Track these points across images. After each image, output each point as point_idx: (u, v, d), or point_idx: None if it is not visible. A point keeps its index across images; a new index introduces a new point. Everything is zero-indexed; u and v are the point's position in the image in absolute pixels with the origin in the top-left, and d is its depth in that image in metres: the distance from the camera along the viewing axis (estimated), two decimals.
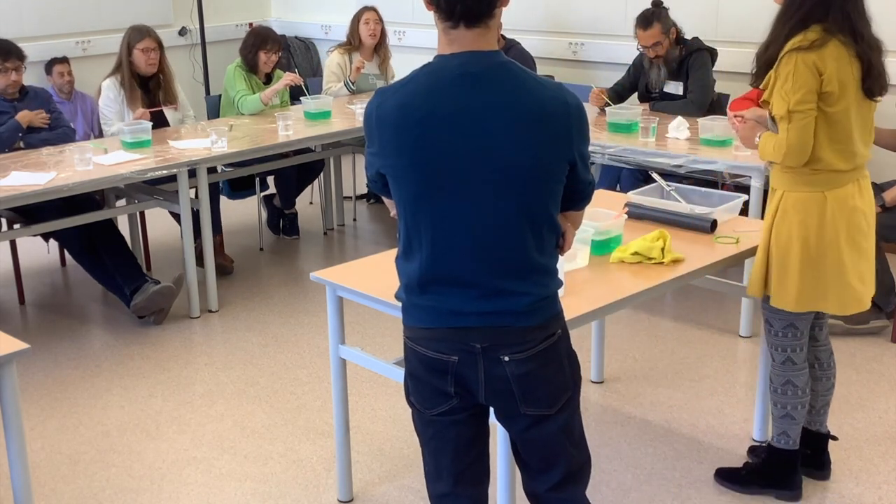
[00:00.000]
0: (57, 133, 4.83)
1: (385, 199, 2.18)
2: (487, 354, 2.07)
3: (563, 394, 2.15)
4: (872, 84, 2.78)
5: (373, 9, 5.99)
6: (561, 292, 2.73)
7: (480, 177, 1.98)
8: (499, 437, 2.56)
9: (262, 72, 5.52)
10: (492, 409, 2.22)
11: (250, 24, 8.13)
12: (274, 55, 5.50)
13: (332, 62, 6.01)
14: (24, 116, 4.69)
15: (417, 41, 7.05)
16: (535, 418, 2.14)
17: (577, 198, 2.16)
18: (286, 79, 5.48)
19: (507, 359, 2.07)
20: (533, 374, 2.10)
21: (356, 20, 5.97)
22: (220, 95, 5.95)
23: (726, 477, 3.21)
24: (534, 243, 2.06)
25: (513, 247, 2.04)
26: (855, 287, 2.91)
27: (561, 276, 2.74)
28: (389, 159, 2.02)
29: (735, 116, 3.08)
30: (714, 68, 5.12)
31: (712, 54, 5.10)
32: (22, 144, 4.70)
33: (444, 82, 1.98)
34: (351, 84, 5.94)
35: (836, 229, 2.84)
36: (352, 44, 5.98)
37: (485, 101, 1.96)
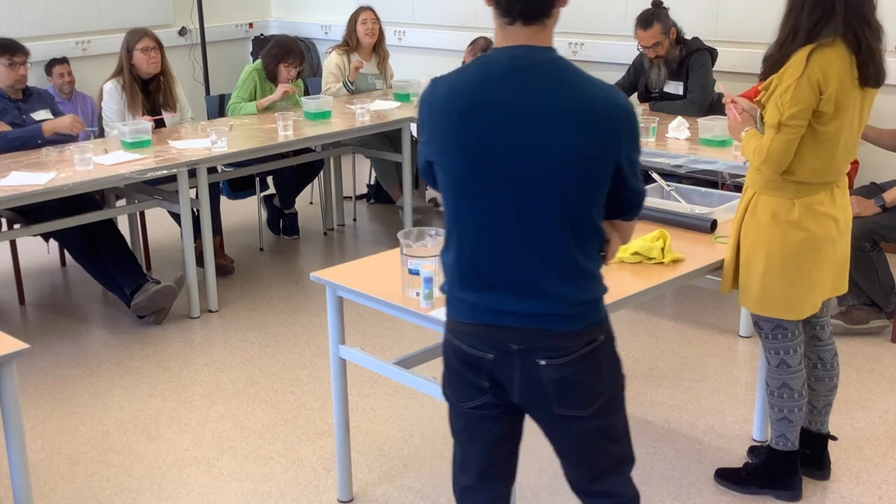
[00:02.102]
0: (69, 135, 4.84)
1: (435, 191, 2.16)
2: (524, 356, 2.04)
3: (599, 397, 2.10)
4: (870, 71, 2.75)
5: (370, 8, 5.99)
6: None
7: (522, 168, 1.95)
8: None
9: (279, 82, 5.52)
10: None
11: (250, 24, 8.15)
12: (294, 69, 5.50)
13: (330, 63, 6.01)
14: (51, 126, 4.70)
15: (417, 41, 7.04)
16: (569, 418, 2.10)
17: (626, 206, 2.09)
18: (281, 89, 5.47)
19: (543, 363, 2.04)
20: (569, 379, 2.06)
21: (353, 20, 5.97)
22: (220, 96, 5.96)
23: (726, 477, 3.21)
24: (576, 244, 2.01)
25: (554, 245, 2.00)
26: (814, 291, 2.91)
27: None
28: (437, 145, 2.02)
29: (732, 101, 3.06)
30: (714, 68, 5.12)
31: (712, 54, 5.11)
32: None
33: (495, 72, 1.97)
34: (350, 84, 5.94)
35: (802, 236, 2.84)
36: (349, 44, 5.99)
37: (532, 94, 1.94)
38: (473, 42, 5.90)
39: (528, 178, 1.95)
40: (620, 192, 2.05)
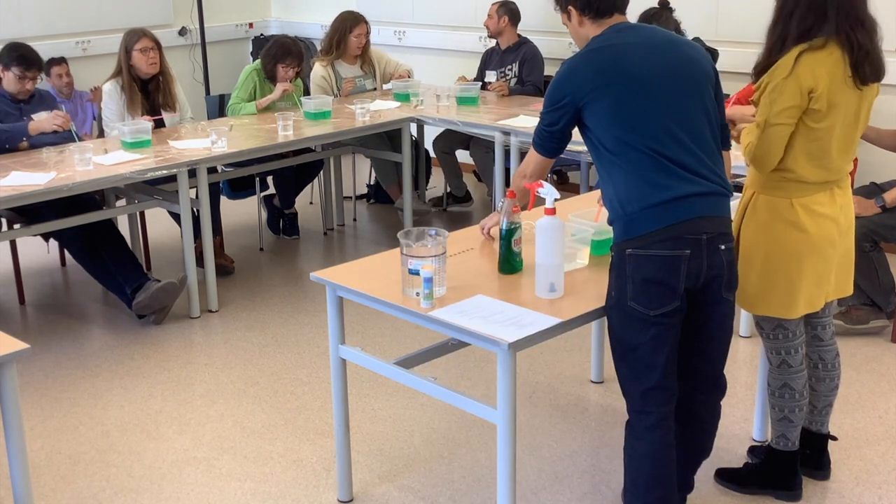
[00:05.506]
0: (59, 133, 4.83)
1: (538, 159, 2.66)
2: (710, 245, 2.45)
3: (736, 285, 2.62)
4: (866, 70, 2.75)
5: (365, 22, 5.91)
6: (560, 292, 2.74)
7: (673, 85, 2.47)
8: (498, 438, 2.57)
9: (278, 82, 5.51)
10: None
11: (250, 24, 8.15)
12: (292, 70, 5.49)
13: (315, 76, 5.90)
14: (36, 126, 4.68)
15: (417, 41, 7.04)
16: (729, 303, 2.57)
17: (724, 133, 2.62)
18: (280, 88, 5.47)
19: (723, 247, 2.48)
20: (732, 264, 2.55)
21: (345, 30, 5.85)
22: (220, 96, 5.96)
23: (726, 477, 3.21)
24: (715, 144, 2.54)
25: (710, 141, 2.52)
26: (810, 291, 2.90)
27: (561, 276, 2.75)
28: (591, 92, 2.45)
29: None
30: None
31: (713, 55, 5.10)
32: (26, 143, 4.71)
33: (613, 35, 2.53)
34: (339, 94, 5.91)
35: (800, 237, 2.84)
36: (335, 51, 5.89)
37: (645, 37, 2.55)
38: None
39: (674, 87, 2.47)
40: (721, 119, 2.59)
